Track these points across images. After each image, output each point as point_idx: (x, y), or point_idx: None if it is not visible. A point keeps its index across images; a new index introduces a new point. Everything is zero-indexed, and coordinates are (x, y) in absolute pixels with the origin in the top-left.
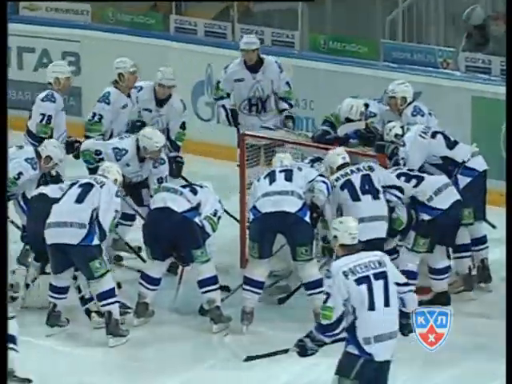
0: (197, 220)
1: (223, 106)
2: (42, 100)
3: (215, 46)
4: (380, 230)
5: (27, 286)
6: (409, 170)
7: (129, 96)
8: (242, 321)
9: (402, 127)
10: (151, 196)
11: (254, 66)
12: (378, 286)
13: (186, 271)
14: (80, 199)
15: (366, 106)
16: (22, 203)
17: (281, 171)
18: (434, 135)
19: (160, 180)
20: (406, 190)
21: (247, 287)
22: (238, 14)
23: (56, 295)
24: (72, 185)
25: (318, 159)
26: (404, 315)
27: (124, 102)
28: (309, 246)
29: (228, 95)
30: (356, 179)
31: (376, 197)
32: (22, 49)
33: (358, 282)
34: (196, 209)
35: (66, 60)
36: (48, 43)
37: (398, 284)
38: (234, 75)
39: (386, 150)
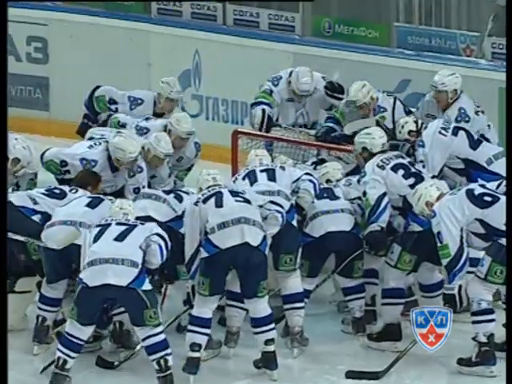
0: (182, 231)
1: (263, 110)
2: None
3: (204, 30)
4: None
5: None
6: (410, 162)
7: None
8: (228, 343)
9: (416, 122)
10: None
11: None
12: (116, 228)
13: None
14: (92, 205)
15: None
16: None
17: (262, 170)
18: (455, 132)
19: (137, 190)
20: (400, 186)
21: (233, 303)
22: None
23: (46, 307)
24: (57, 192)
25: (322, 161)
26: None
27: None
28: (294, 254)
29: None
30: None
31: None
32: None
33: (98, 226)
34: (182, 218)
35: (31, 46)
36: (11, 27)
37: (158, 235)
38: (283, 93)
39: (401, 151)
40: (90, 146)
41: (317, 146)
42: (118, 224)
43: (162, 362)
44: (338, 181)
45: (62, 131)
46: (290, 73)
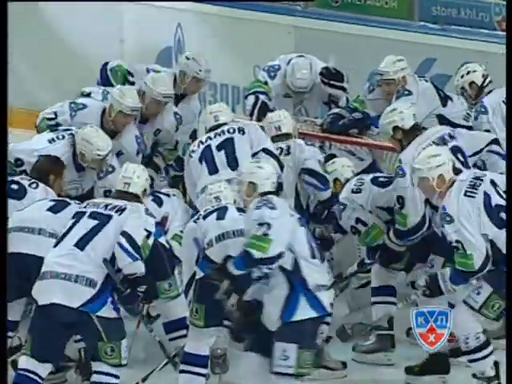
0: (162, 240)
1: (256, 96)
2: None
3: None
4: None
5: None
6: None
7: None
8: (214, 369)
9: (484, 77)
10: None
11: None
12: (85, 223)
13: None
14: (54, 210)
15: None
16: None
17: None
18: None
19: (108, 193)
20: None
21: None
22: None
23: None
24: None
25: (331, 156)
26: None
27: None
28: None
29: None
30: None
31: None
32: None
33: (73, 216)
34: (161, 224)
35: None
36: None
37: (123, 233)
38: (280, 89)
39: None
40: (51, 140)
41: (322, 138)
42: (91, 217)
43: None
44: (347, 180)
45: (22, 121)
46: (289, 61)
